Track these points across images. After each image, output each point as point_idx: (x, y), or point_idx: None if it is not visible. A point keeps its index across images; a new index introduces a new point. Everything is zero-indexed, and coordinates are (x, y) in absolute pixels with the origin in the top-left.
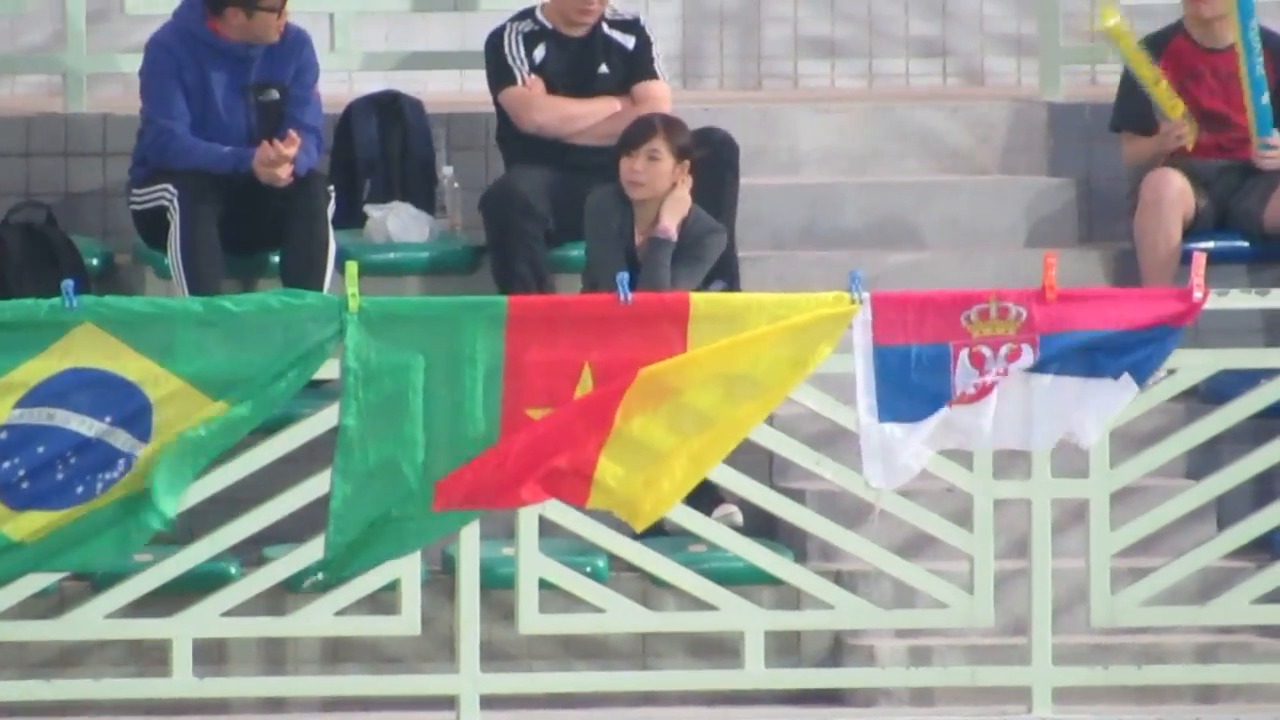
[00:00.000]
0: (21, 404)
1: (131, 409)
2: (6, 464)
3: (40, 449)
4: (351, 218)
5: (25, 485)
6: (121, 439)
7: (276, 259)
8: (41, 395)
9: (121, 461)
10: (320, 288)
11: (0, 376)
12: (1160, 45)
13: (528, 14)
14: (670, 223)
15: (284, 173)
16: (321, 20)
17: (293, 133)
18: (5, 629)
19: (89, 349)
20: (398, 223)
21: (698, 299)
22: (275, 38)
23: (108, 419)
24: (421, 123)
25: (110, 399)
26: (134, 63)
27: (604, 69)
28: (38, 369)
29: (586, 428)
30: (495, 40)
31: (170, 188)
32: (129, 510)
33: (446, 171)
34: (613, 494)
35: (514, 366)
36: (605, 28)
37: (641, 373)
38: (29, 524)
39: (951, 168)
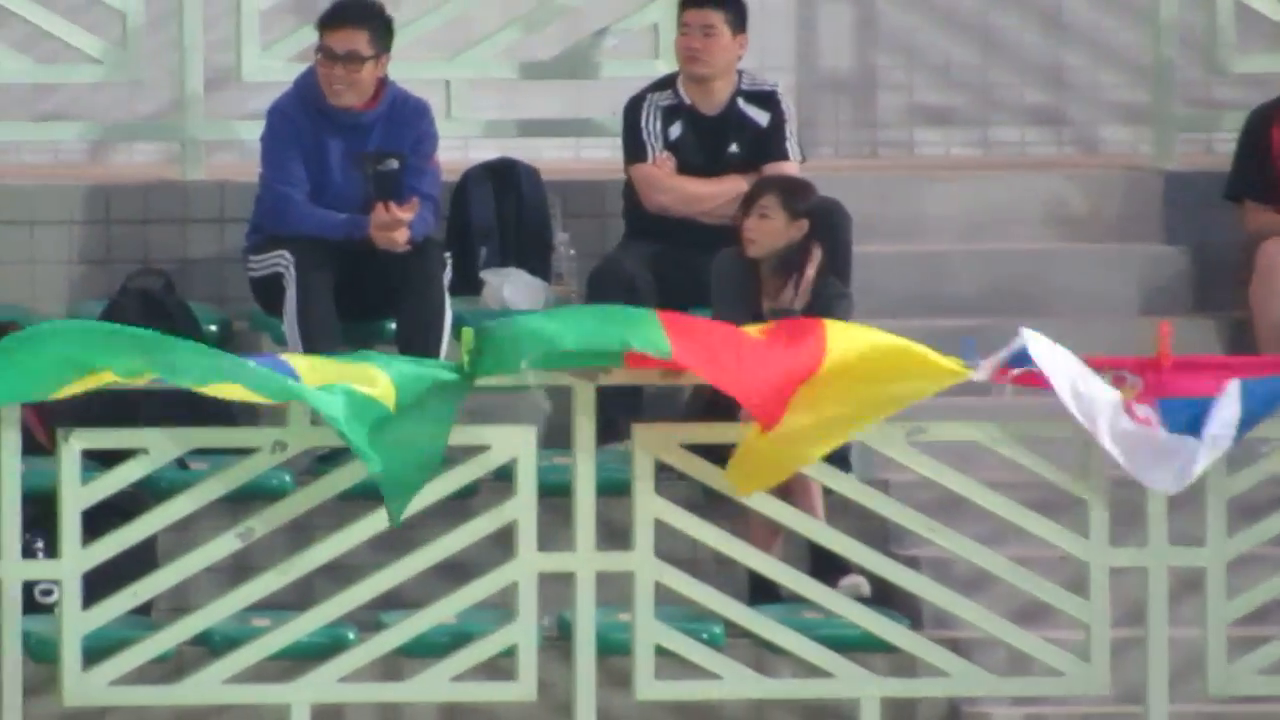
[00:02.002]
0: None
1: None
2: None
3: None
4: (467, 285)
5: None
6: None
7: (392, 326)
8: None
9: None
10: (437, 355)
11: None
12: (1272, 115)
13: (668, 84)
14: (792, 295)
15: (400, 237)
16: (438, 88)
17: (415, 199)
18: (124, 694)
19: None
20: (513, 290)
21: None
22: (340, 98)
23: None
24: (537, 190)
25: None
26: (251, 130)
27: (734, 148)
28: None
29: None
30: (633, 110)
31: (286, 254)
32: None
33: (562, 238)
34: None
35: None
36: (740, 102)
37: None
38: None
39: (1066, 236)
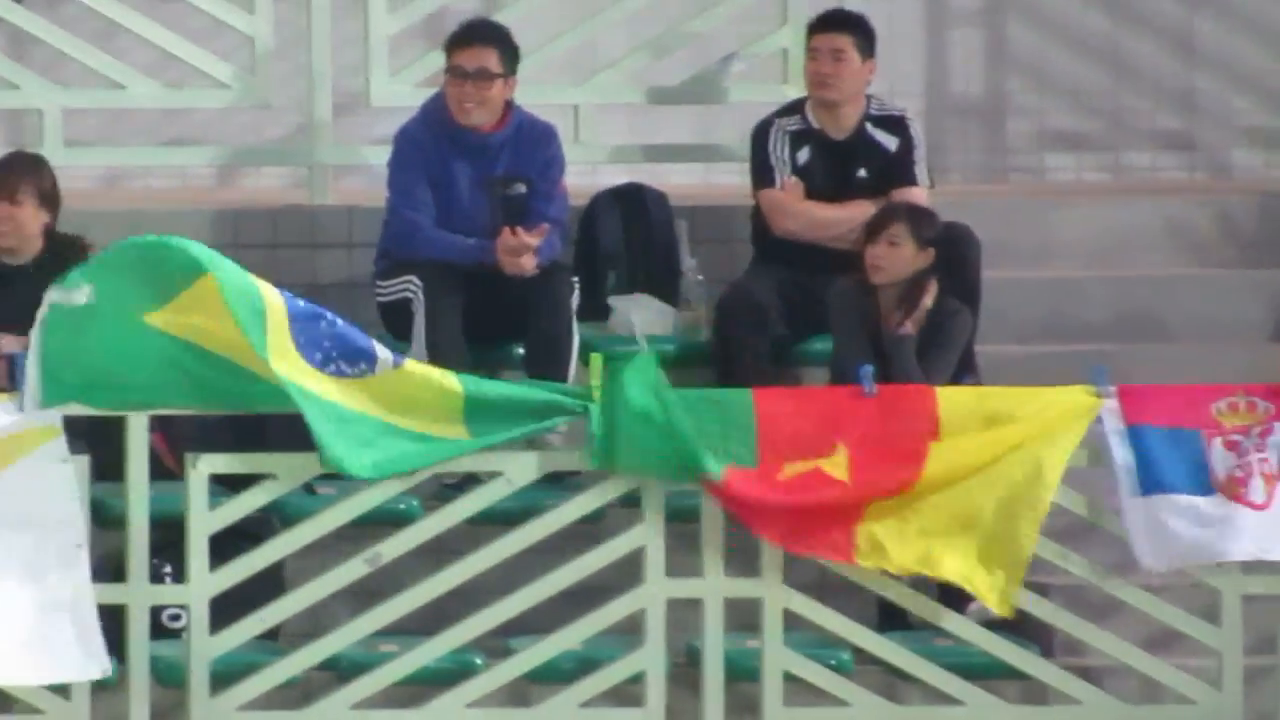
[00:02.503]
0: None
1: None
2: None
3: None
4: (595, 310)
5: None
6: (376, 345)
7: (520, 350)
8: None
9: (364, 363)
10: (564, 379)
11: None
12: None
13: (797, 108)
14: (909, 321)
15: (527, 263)
16: (566, 113)
17: (543, 225)
18: (252, 719)
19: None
20: (641, 315)
21: (943, 394)
22: (469, 116)
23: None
24: (665, 215)
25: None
26: (379, 155)
27: (863, 173)
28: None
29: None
30: (761, 135)
31: (414, 279)
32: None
33: (690, 264)
34: (874, 549)
35: (767, 442)
36: (869, 126)
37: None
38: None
39: (1197, 261)
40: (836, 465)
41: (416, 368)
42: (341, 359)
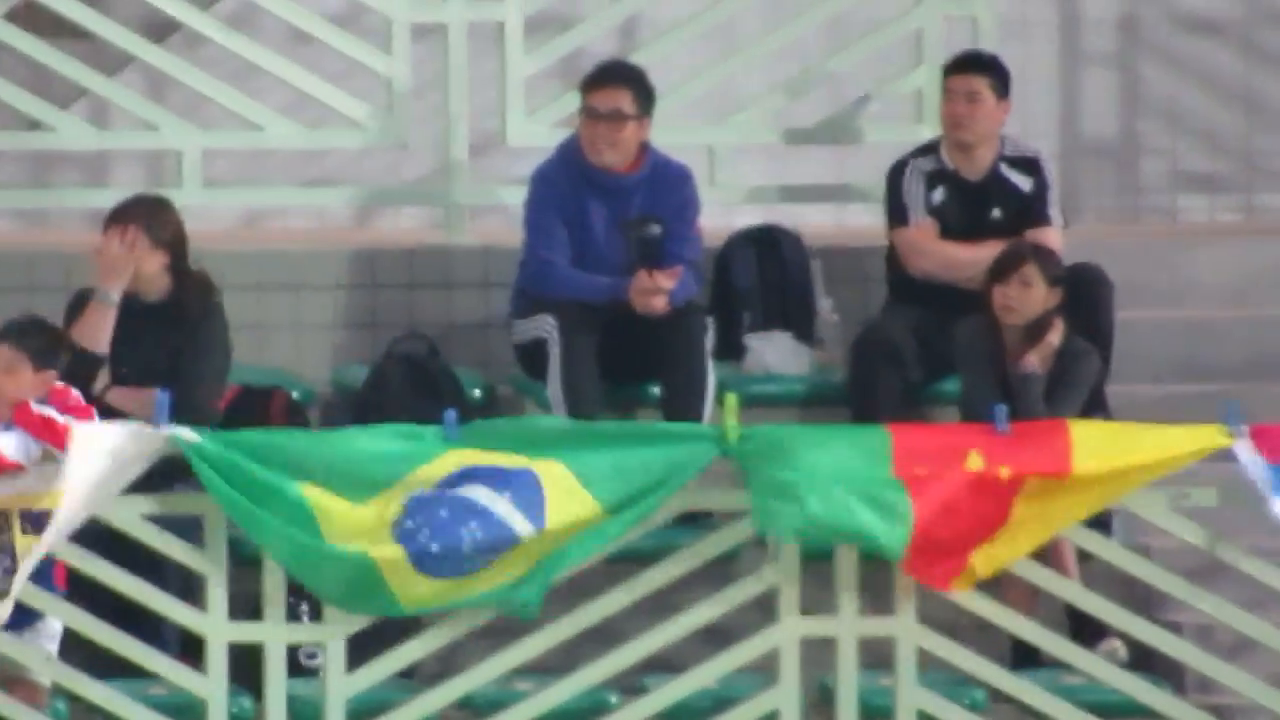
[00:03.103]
0: (419, 492)
1: (526, 492)
2: (410, 523)
3: (443, 513)
4: (730, 350)
5: (434, 549)
6: (518, 521)
7: (656, 390)
8: (438, 485)
9: (508, 544)
10: (699, 419)
11: (396, 481)
12: None
13: (931, 149)
14: (1036, 359)
15: (659, 304)
16: (701, 153)
17: (678, 267)
18: None
19: (478, 457)
20: (776, 355)
21: (1076, 427)
22: (602, 156)
23: (507, 495)
24: (799, 256)
25: (507, 479)
26: (515, 195)
27: (997, 213)
28: (430, 473)
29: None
30: (896, 175)
31: (550, 319)
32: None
33: (824, 304)
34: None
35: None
36: (1003, 167)
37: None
38: (428, 590)
39: None
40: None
41: (555, 521)
42: (482, 554)
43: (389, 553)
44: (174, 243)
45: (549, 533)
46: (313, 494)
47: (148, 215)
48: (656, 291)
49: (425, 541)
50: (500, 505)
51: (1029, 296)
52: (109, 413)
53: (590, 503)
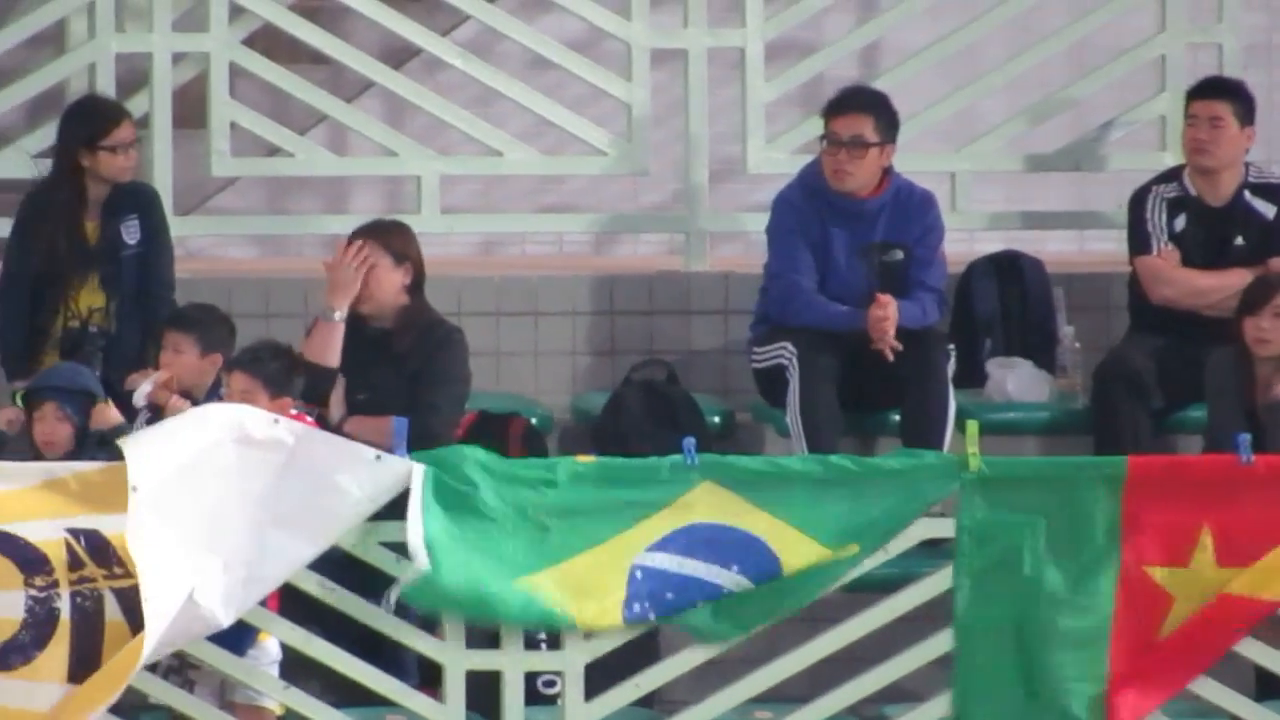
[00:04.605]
0: (649, 549)
1: (758, 561)
2: (638, 606)
3: (669, 595)
4: (971, 377)
5: (652, 618)
6: (745, 588)
7: (896, 417)
8: (667, 547)
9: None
10: (940, 447)
11: (622, 532)
12: None
13: (1174, 176)
14: None
15: (889, 336)
16: (943, 180)
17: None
18: None
19: (711, 506)
20: (1017, 382)
21: None
22: (843, 183)
23: (734, 568)
24: (1041, 282)
25: (736, 550)
26: (756, 221)
27: (1240, 241)
28: (659, 525)
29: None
30: (1138, 202)
31: (790, 345)
32: None
33: (1066, 331)
34: None
35: (1132, 525)
36: (1247, 194)
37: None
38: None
39: None
40: (1202, 559)
41: (791, 562)
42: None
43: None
44: (413, 266)
45: (782, 581)
46: (534, 583)
47: (387, 235)
48: (886, 318)
49: (647, 616)
50: (728, 579)
51: None
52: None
53: (821, 550)
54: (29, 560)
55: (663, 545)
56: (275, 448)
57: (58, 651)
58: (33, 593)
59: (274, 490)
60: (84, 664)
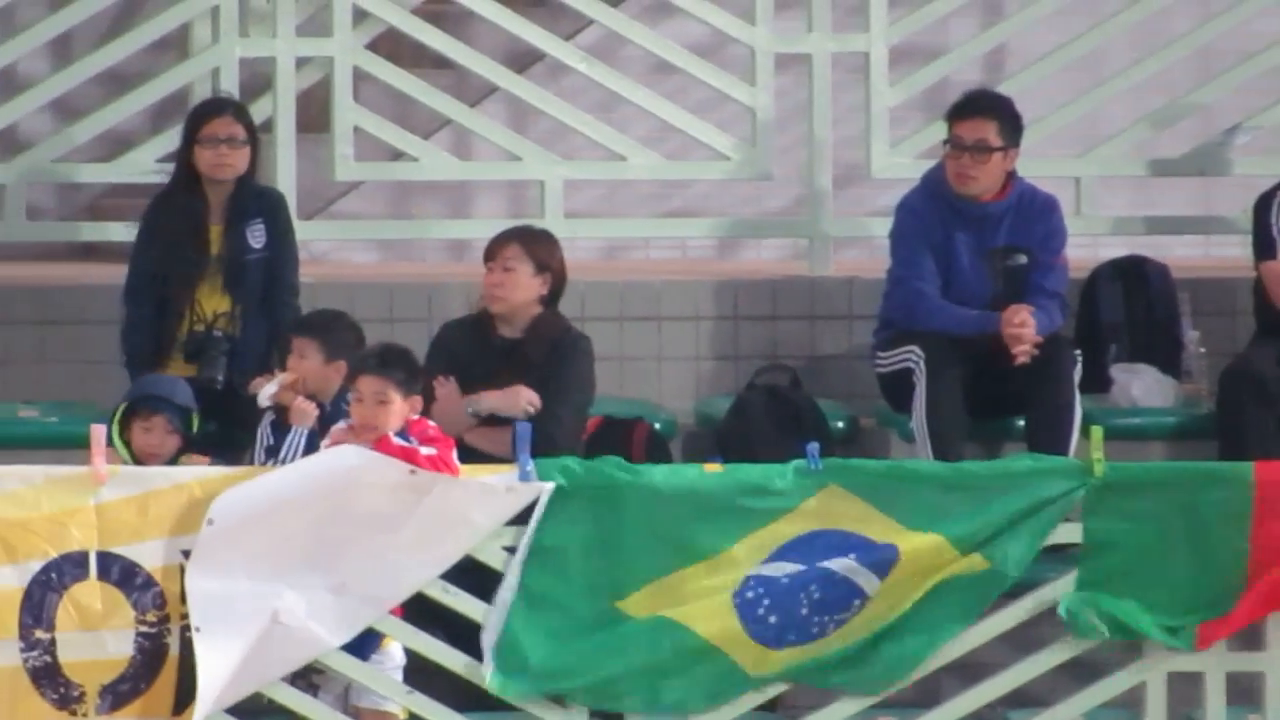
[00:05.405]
0: (768, 560)
1: (878, 555)
2: (751, 594)
3: (785, 580)
4: (1096, 382)
5: (773, 620)
6: (863, 577)
7: (1021, 422)
8: (788, 554)
9: (856, 601)
10: (1065, 452)
11: (744, 536)
12: None
13: None
14: None
15: (1029, 338)
16: (1068, 184)
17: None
18: None
19: (834, 512)
20: (1142, 387)
21: None
22: (966, 186)
23: (852, 556)
24: (1166, 287)
25: (853, 543)
26: (880, 226)
27: None
28: (782, 531)
29: None
30: (1263, 207)
31: (916, 350)
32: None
33: (1192, 336)
34: None
35: (1258, 530)
36: None
37: None
38: (777, 661)
39: None
40: None
41: (906, 568)
42: (828, 610)
43: (725, 624)
44: (553, 277)
45: (899, 580)
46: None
47: (533, 242)
48: (1024, 333)
49: (764, 613)
50: (842, 565)
51: None
52: (469, 453)
53: (945, 546)
54: (141, 593)
55: (781, 555)
56: (410, 490)
57: (164, 688)
58: (143, 629)
59: (401, 522)
60: (191, 696)
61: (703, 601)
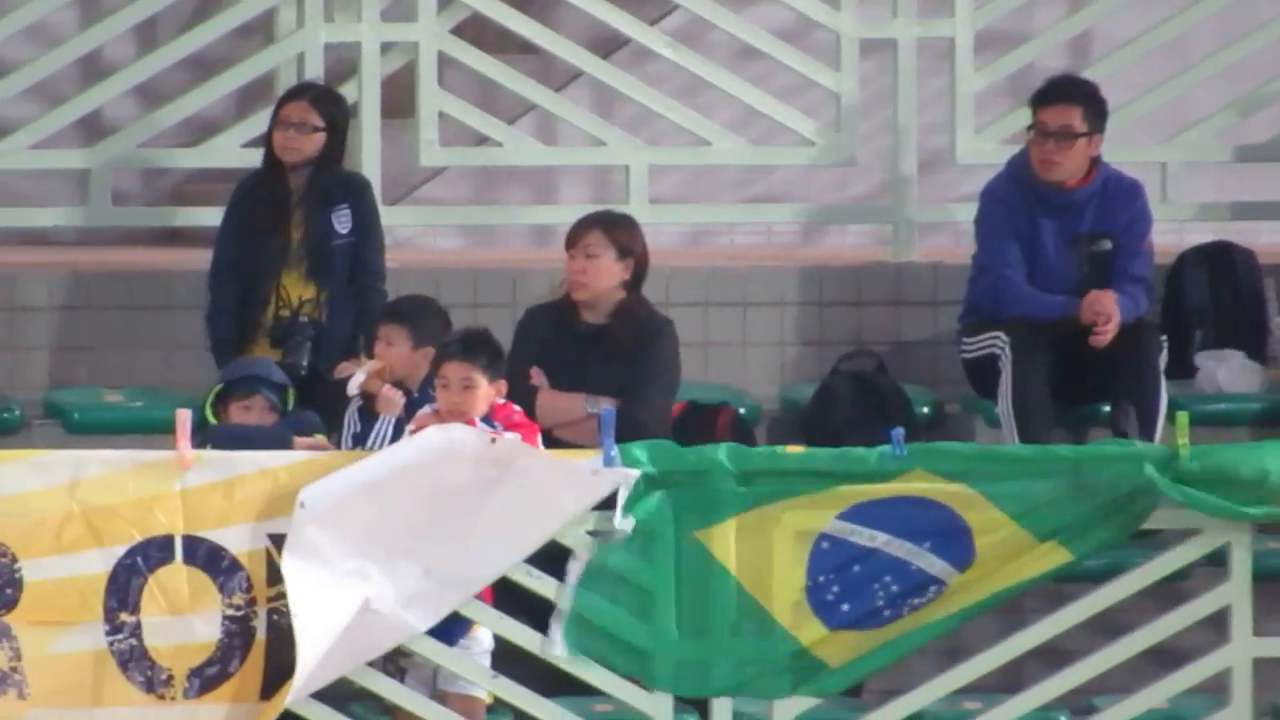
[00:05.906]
0: (844, 517)
1: (951, 535)
2: (823, 579)
3: (856, 568)
4: (1181, 368)
5: (844, 607)
6: (937, 566)
7: (1107, 409)
8: (865, 514)
9: (933, 588)
10: (1151, 438)
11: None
12: None
13: None
14: None
15: (1107, 333)
16: (1153, 170)
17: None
18: None
19: (919, 490)
20: (1228, 373)
21: None
22: (1050, 173)
23: (926, 545)
24: (1253, 274)
25: (931, 525)
26: (965, 212)
27: None
28: (864, 492)
29: None
30: None
31: (1002, 336)
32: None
33: (1278, 322)
34: None
35: None
36: None
37: None
38: (840, 645)
39: None
40: None
41: (984, 557)
42: (904, 597)
43: (802, 614)
44: (636, 262)
45: (979, 566)
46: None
47: (614, 228)
48: (1108, 317)
49: (834, 601)
50: (919, 557)
51: None
52: (553, 443)
53: (1022, 535)
54: (227, 577)
55: (853, 514)
56: (491, 464)
57: (252, 671)
58: (230, 612)
59: (485, 502)
60: (279, 679)
61: (780, 577)
